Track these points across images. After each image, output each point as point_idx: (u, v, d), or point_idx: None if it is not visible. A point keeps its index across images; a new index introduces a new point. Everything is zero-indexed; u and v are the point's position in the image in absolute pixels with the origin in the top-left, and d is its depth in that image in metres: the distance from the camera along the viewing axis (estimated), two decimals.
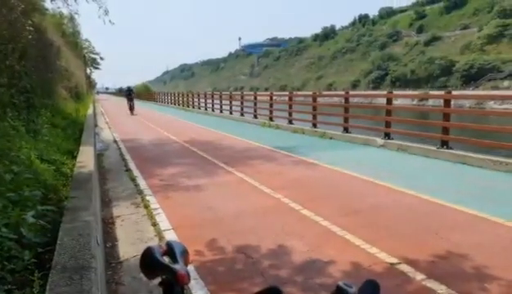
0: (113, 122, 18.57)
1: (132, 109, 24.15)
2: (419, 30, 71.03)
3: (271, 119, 15.78)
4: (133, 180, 6.54)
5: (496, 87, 43.04)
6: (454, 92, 10.79)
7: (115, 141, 11.48)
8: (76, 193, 3.45)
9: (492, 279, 2.96)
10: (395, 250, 3.49)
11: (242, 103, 19.64)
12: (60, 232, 2.45)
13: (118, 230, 4.32)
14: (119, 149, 10.04)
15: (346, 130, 11.31)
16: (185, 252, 1.01)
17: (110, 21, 9.95)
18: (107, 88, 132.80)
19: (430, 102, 31.64)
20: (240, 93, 24.38)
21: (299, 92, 39.06)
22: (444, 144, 8.10)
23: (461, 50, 55.06)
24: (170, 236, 4.00)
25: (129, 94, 25.10)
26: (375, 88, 58.00)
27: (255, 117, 17.40)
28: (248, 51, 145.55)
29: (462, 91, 41.22)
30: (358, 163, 7.54)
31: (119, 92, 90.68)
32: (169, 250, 0.98)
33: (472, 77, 47.54)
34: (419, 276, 3.02)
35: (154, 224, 4.40)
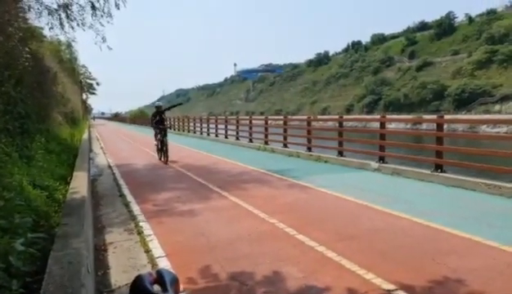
0: (108, 147, 18.54)
1: (162, 149, 12.04)
2: (411, 56, 72.54)
3: (266, 143, 15.83)
4: (127, 205, 6.48)
5: (487, 111, 43.71)
6: (446, 116, 10.94)
7: (110, 166, 11.43)
8: (68, 219, 3.40)
9: None
10: (391, 276, 3.45)
11: (237, 127, 19.74)
12: (50, 260, 2.40)
13: (110, 257, 4.25)
14: (113, 174, 9.99)
15: (341, 153, 11.36)
16: (175, 281, 0.99)
17: (108, 47, 10.02)
18: (103, 113, 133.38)
19: (424, 126, 31.98)
20: (235, 117, 24.50)
21: (294, 116, 39.39)
22: (438, 167, 8.13)
23: (452, 75, 56.15)
24: (163, 263, 3.94)
25: (159, 120, 12.45)
26: (368, 113, 58.62)
27: (250, 141, 17.45)
28: (243, 76, 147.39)
29: (455, 114, 41.81)
30: (353, 187, 7.53)
31: (115, 117, 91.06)
32: (159, 278, 0.97)
33: (464, 102, 48.30)
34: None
35: (148, 251, 4.33)
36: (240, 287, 3.38)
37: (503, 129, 31.38)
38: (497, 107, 44.68)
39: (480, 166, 7.96)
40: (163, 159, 11.92)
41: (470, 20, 70.47)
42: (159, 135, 12.16)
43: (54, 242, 2.80)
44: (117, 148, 18.48)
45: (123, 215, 5.95)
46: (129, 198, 7.05)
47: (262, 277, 3.56)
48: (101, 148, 18.05)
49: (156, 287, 0.95)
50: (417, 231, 4.81)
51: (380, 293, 3.17)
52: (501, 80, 48.09)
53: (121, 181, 8.79)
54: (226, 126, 21.20)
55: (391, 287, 3.25)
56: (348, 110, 65.34)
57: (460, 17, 74.74)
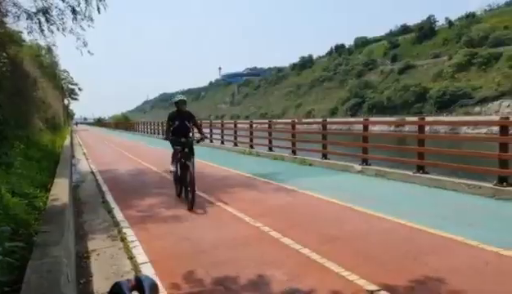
0: (90, 152, 18.25)
1: (185, 180, 6.89)
2: (394, 59, 73.62)
3: (251, 147, 15.84)
4: (110, 212, 6.38)
5: (468, 113, 44.63)
6: (428, 118, 11.14)
7: (92, 172, 11.25)
8: (48, 227, 3.34)
9: None
10: (374, 276, 3.48)
11: (222, 131, 19.71)
12: (28, 269, 2.35)
13: (93, 265, 4.18)
14: (96, 180, 9.83)
15: (325, 156, 11.44)
16: (154, 287, 0.99)
17: (88, 52, 9.89)
18: (85, 119, 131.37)
19: (406, 128, 32.50)
20: (220, 121, 24.45)
21: (279, 120, 39.56)
22: (420, 168, 8.27)
23: (434, 77, 57.16)
24: (147, 269, 3.89)
25: (181, 126, 7.12)
26: (352, 115, 59.22)
27: (235, 144, 17.43)
28: (228, 80, 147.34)
29: (436, 116, 42.57)
30: (337, 189, 7.59)
31: (98, 123, 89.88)
32: (138, 284, 0.96)
33: (445, 104, 49.19)
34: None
35: (131, 258, 4.27)
36: (225, 292, 3.37)
37: (483, 130, 32.12)
38: (477, 109, 45.65)
39: (459, 166, 8.14)
40: (182, 196, 7.02)
41: (450, 23, 72.01)
42: (179, 154, 7.01)
43: (32, 250, 2.74)
44: (100, 153, 18.22)
45: (107, 221, 5.86)
46: (112, 204, 6.95)
47: (247, 281, 3.55)
48: (84, 153, 17.76)
49: None
50: (400, 232, 4.87)
51: None
52: (480, 82, 49.21)
53: (104, 187, 8.67)
54: (210, 131, 21.15)
55: (374, 287, 3.28)
56: (333, 113, 65.86)
57: (441, 21, 76.36)
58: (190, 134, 7.29)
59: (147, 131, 36.87)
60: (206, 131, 21.76)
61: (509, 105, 43.10)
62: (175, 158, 7.20)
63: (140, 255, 4.33)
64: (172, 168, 7.30)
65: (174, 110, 7.16)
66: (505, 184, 6.66)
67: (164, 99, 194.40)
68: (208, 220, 5.83)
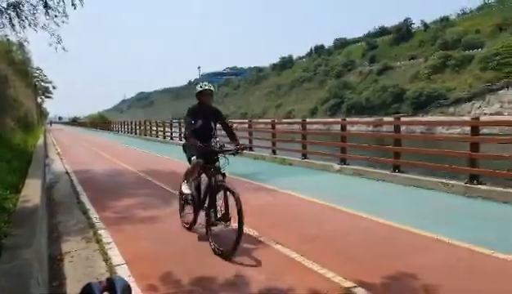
0: (65, 152, 17.79)
1: (212, 206, 4.58)
2: (372, 60, 74.84)
3: None
4: (85, 213, 6.22)
5: (443, 113, 45.87)
6: (404, 118, 11.35)
7: (67, 173, 10.96)
8: (18, 230, 3.23)
9: None
10: (351, 274, 3.52)
11: None
12: None
13: (66, 267, 4.07)
14: (71, 180, 9.58)
15: (304, 156, 11.52)
16: (127, 288, 0.96)
17: (63, 49, 9.65)
18: (60, 118, 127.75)
19: (384, 128, 33.10)
20: None
21: (260, 120, 39.60)
22: (396, 168, 8.42)
23: (410, 79, 58.44)
24: (122, 271, 3.81)
25: (205, 126, 5.00)
26: (332, 115, 59.88)
27: None
28: (207, 79, 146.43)
29: (413, 117, 43.51)
30: (317, 189, 7.65)
31: (74, 122, 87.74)
32: (110, 286, 0.93)
33: (421, 104, 50.37)
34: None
35: (107, 260, 4.17)
36: (203, 292, 3.33)
37: (457, 130, 33.06)
38: (451, 109, 46.98)
39: (434, 165, 8.33)
40: (211, 242, 4.37)
41: (426, 26, 73.84)
42: (201, 169, 4.93)
43: (1, 254, 2.64)
44: (75, 153, 17.78)
45: (81, 223, 5.72)
46: (88, 205, 6.78)
47: (226, 280, 3.52)
48: (58, 153, 17.29)
49: None
50: (377, 230, 4.95)
51: (340, 292, 3.23)
52: (454, 84, 50.67)
53: (79, 188, 8.46)
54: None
55: (350, 284, 3.32)
56: (313, 113, 66.42)
57: (417, 23, 78.17)
58: (214, 139, 5.04)
59: (124, 131, 36.32)
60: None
61: (480, 106, 44.58)
62: (192, 175, 4.92)
63: (115, 256, 4.24)
64: (187, 190, 4.89)
65: (196, 104, 5.13)
66: (475, 182, 6.86)
67: (142, 98, 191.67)
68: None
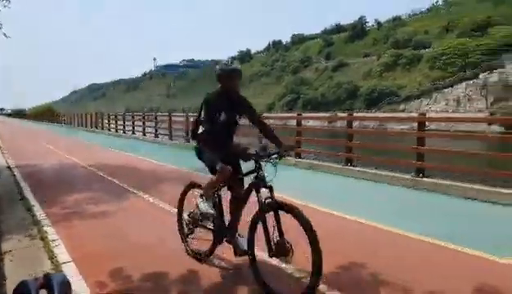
0: (7, 146, 16.71)
1: (234, 237, 3.63)
2: (328, 57, 76.71)
3: (187, 141, 15.56)
4: (29, 209, 5.87)
5: (394, 110, 48.01)
6: (355, 114, 11.73)
7: (9, 167, 10.30)
8: None
9: (390, 286, 3.20)
10: (304, 267, 3.59)
11: (156, 124, 19.13)
12: None
13: (7, 267, 3.83)
14: (14, 175, 9.01)
15: None
16: (65, 284, 0.91)
17: (4, 35, 9.03)
18: (2, 109, 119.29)
19: (338, 124, 34.11)
20: (153, 114, 23.67)
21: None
22: (348, 161, 8.71)
23: (364, 76, 60.61)
24: (69, 269, 3.65)
25: (230, 121, 3.75)
26: (289, 111, 60.78)
27: (171, 138, 17.02)
28: (163, 71, 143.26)
29: (365, 113, 45.18)
30: (275, 183, 7.70)
31: (19, 114, 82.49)
32: (47, 283, 0.88)
33: (374, 101, 52.44)
34: (323, 287, 3.15)
35: (52, 258, 3.97)
36: (154, 288, 3.27)
37: (406, 126, 34.74)
38: (402, 106, 49.32)
39: (384, 159, 8.69)
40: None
41: (379, 25, 76.73)
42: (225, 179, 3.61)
43: None
44: (19, 147, 16.76)
45: (25, 220, 5.40)
46: (32, 201, 6.40)
47: (179, 276, 3.48)
48: None
49: (43, 293, 0.86)
50: (331, 223, 5.07)
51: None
52: (405, 81, 53.21)
53: (23, 183, 7.98)
54: (143, 124, 20.46)
55: (302, 274, 3.40)
56: (270, 108, 67.05)
57: (371, 22, 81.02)
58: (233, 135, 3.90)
59: (74, 123, 34.84)
60: (139, 124, 21.06)
61: (427, 104, 47.12)
62: (214, 188, 3.69)
63: (62, 254, 4.05)
64: (208, 209, 3.60)
65: (217, 90, 3.82)
66: (421, 175, 7.24)
67: (94, 89, 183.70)
68: (139, 216, 5.62)
